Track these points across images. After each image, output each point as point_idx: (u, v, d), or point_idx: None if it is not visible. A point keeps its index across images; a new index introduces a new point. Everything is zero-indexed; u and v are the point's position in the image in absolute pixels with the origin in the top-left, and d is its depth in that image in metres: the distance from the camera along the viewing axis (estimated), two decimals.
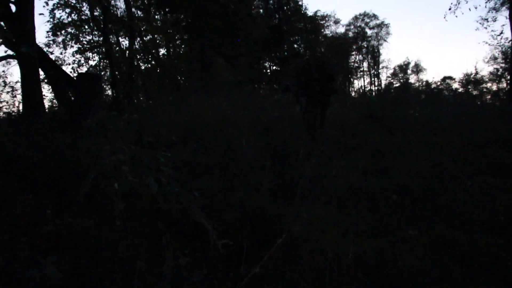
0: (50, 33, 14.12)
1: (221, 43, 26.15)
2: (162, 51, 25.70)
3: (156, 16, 26.94)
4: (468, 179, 4.65)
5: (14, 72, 49.69)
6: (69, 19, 14.32)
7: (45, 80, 11.86)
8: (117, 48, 19.70)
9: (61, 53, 15.63)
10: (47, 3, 13.66)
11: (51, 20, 13.94)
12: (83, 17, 14.54)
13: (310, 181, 3.93)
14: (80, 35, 15.23)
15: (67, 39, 15.60)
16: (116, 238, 2.56)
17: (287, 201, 3.59)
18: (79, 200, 3.11)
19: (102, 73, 15.91)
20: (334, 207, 3.47)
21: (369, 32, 57.49)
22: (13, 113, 8.75)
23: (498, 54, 38.88)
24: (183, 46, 29.51)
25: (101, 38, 14.32)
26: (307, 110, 6.39)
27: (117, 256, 2.50)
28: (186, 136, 6.46)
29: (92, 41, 15.00)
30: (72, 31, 14.82)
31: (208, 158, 5.03)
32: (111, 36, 18.09)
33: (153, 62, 23.80)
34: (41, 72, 10.12)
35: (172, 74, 21.50)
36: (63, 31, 14.62)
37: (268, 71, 39.09)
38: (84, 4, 14.30)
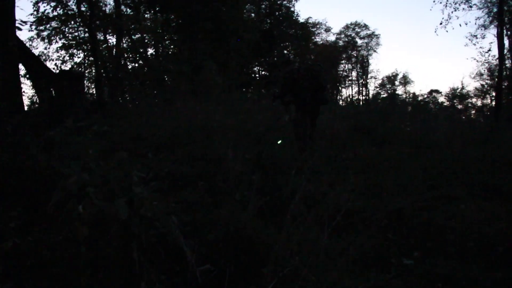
0: (33, 27, 13.68)
1: (212, 47, 25.89)
2: (151, 51, 25.33)
3: (146, 15, 26.63)
4: (462, 202, 4.48)
5: None
6: (54, 13, 13.90)
7: (27, 76, 11.46)
8: (104, 45, 19.34)
9: (45, 48, 15.22)
10: None
11: (35, 13, 13.53)
12: (69, 11, 14.13)
13: (300, 200, 3.71)
14: (66, 30, 14.83)
15: (52, 33, 15.18)
16: (80, 267, 2.28)
17: (276, 222, 3.36)
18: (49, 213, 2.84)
19: (87, 71, 15.54)
20: (326, 231, 3.25)
21: (359, 41, 57.88)
22: None
23: (484, 70, 39.63)
24: (172, 47, 29.19)
25: (87, 35, 13.94)
26: (297, 120, 6.17)
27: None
28: (171, 142, 6.20)
29: (78, 37, 14.61)
30: (57, 26, 14.39)
31: (193, 168, 4.77)
32: (98, 33, 17.72)
33: (140, 62, 23.43)
34: (22, 67, 9.77)
35: (159, 75, 21.15)
36: (47, 26, 14.18)
37: (257, 76, 39.02)
38: None
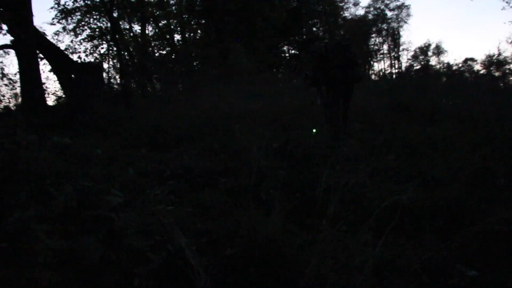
0: (55, 20, 13.49)
1: (238, 28, 25.28)
2: (177, 37, 24.93)
3: (171, 1, 26.23)
4: None
5: (15, 62, 49.22)
6: (76, 4, 13.65)
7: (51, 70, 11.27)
8: (129, 34, 19.08)
9: (71, 41, 15.05)
10: None
11: (56, 6, 13.30)
12: (89, 2, 13.86)
13: (337, 200, 3.19)
14: (90, 21, 14.59)
15: (78, 26, 14.98)
16: None
17: (308, 227, 2.86)
18: None
19: (112, 61, 15.32)
20: (368, 235, 2.73)
21: (389, 14, 55.92)
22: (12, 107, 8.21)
23: None
24: (199, 31, 28.77)
25: (109, 25, 13.65)
26: (328, 102, 5.59)
27: None
28: (192, 133, 5.76)
29: (100, 28, 14.34)
30: (80, 18, 14.17)
31: (214, 163, 4.30)
32: (121, 22, 17.44)
33: (167, 49, 23.11)
34: (46, 62, 9.54)
35: (187, 61, 20.78)
36: (69, 18, 13.96)
37: (287, 55, 38.26)
38: None
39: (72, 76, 8.06)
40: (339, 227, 2.71)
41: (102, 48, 14.45)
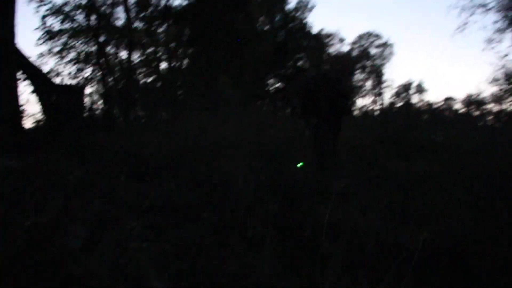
0: (40, 41, 13.23)
1: (225, 59, 25.38)
2: (164, 64, 24.86)
3: (160, 29, 26.28)
4: None
5: None
6: (63, 26, 13.44)
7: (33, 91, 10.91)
8: (116, 60, 18.90)
9: (56, 64, 14.75)
10: (37, 10, 12.77)
11: (42, 27, 13.08)
12: (76, 26, 13.66)
13: (330, 236, 2.94)
14: (75, 44, 14.36)
15: (63, 48, 14.72)
16: None
17: (300, 267, 2.59)
18: None
19: (95, 86, 15.05)
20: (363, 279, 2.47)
21: (373, 51, 57.28)
22: None
23: (501, 75, 38.88)
24: (185, 60, 28.82)
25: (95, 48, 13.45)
26: (317, 134, 5.40)
27: None
28: (175, 162, 5.48)
29: (86, 51, 14.13)
30: (66, 40, 13.94)
31: (197, 195, 4.02)
32: (109, 47, 17.30)
33: (153, 76, 22.98)
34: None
35: (172, 89, 20.65)
36: (57, 40, 13.73)
37: (272, 88, 38.55)
38: (79, 11, 13.42)
39: (53, 98, 7.75)
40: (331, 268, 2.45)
41: (86, 72, 14.21)
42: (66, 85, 8.25)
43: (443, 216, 3.69)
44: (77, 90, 7.42)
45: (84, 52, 14.30)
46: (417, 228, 3.47)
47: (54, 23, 13.09)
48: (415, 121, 12.07)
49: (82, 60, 13.98)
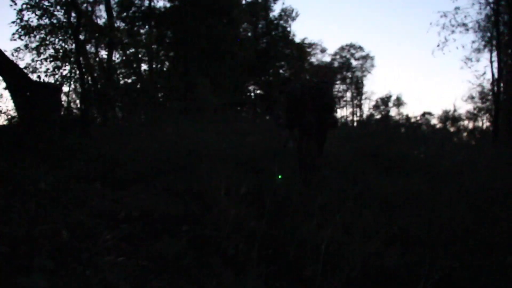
0: (15, 36, 12.73)
1: (206, 64, 25.20)
2: (144, 66, 24.49)
3: (141, 30, 25.92)
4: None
5: None
6: (40, 22, 12.99)
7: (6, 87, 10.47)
8: (97, 59, 18.49)
9: (32, 60, 14.23)
10: (14, 2, 12.30)
11: (18, 21, 12.59)
12: (55, 21, 13.23)
13: (314, 257, 2.81)
14: (55, 41, 13.89)
15: (41, 44, 14.25)
16: None
17: None
18: None
19: (73, 85, 14.61)
20: None
21: (354, 63, 57.88)
22: None
23: (476, 93, 40.06)
24: (166, 63, 28.48)
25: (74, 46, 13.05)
26: (301, 147, 5.28)
27: None
28: (152, 169, 5.27)
29: (65, 49, 13.67)
30: (44, 36, 13.46)
31: (175, 206, 3.84)
32: (88, 46, 16.89)
33: (133, 77, 22.61)
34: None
35: (152, 92, 20.29)
36: (32, 36, 13.24)
37: (252, 95, 38.50)
38: (58, 7, 12.99)
39: (27, 95, 7.40)
40: None
41: (65, 70, 13.75)
42: (42, 83, 7.90)
43: (429, 239, 3.60)
44: (54, 88, 7.11)
45: (62, 49, 13.83)
46: (403, 250, 3.38)
47: (32, 17, 12.65)
48: (394, 135, 12.10)
49: (60, 58, 13.54)
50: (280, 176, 5.20)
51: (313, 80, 8.43)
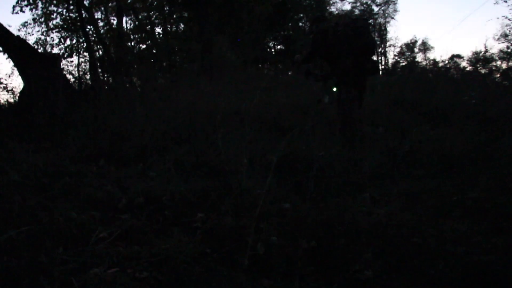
0: (17, 8, 12.00)
1: (223, 21, 24.05)
2: (158, 30, 23.54)
3: None
4: None
5: None
6: None
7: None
8: (107, 27, 17.71)
9: (42, 34, 13.57)
10: None
11: None
12: None
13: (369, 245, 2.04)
14: (58, 10, 13.15)
15: (48, 17, 13.55)
16: None
17: None
18: None
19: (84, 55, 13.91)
20: None
21: (375, 9, 55.26)
22: None
23: (510, 31, 37.80)
24: (181, 25, 27.41)
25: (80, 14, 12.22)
26: (342, 99, 4.41)
27: None
28: (163, 141, 4.53)
29: (71, 18, 12.91)
30: (45, 7, 12.71)
31: (188, 187, 3.08)
32: (96, 13, 16.09)
33: (148, 42, 21.80)
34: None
35: (168, 56, 19.47)
36: (33, 6, 12.49)
37: (273, 50, 37.28)
38: None
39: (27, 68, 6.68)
40: None
41: (73, 39, 13.04)
42: (38, 53, 7.16)
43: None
44: (51, 59, 6.39)
45: (69, 19, 13.07)
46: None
47: None
48: (434, 81, 10.97)
49: (66, 28, 12.78)
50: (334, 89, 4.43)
51: (350, 17, 7.37)
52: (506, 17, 32.78)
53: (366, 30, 4.39)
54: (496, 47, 66.98)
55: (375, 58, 4.80)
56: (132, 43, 18.40)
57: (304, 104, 6.25)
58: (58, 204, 2.83)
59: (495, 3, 33.91)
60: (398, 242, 2.29)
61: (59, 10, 13.34)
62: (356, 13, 53.73)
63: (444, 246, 2.20)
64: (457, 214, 2.75)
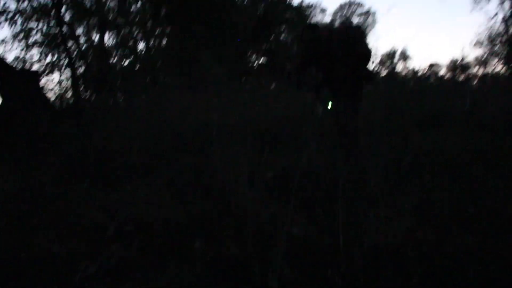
0: None
1: (206, 35, 23.87)
2: (141, 46, 23.25)
3: (132, 8, 24.49)
4: None
5: None
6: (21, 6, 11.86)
7: None
8: (89, 43, 17.38)
9: (22, 49, 13.14)
10: None
11: None
12: (35, 5, 12.08)
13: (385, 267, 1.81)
14: (37, 25, 12.78)
15: (24, 32, 13.16)
16: None
17: None
18: None
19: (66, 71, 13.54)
20: None
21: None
22: None
23: (485, 37, 38.77)
24: (164, 40, 27.14)
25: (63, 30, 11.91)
26: (337, 111, 4.19)
27: None
28: (153, 159, 4.25)
29: (52, 34, 12.56)
30: (22, 21, 12.33)
31: (183, 210, 2.81)
32: (81, 29, 15.77)
33: (130, 58, 21.47)
34: None
35: (151, 71, 19.19)
36: (12, 22, 12.12)
37: (255, 64, 37.33)
38: None
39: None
40: None
41: (54, 55, 12.66)
42: (17, 70, 6.84)
43: None
44: (31, 74, 6.09)
45: (50, 35, 12.72)
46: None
47: (8, 1, 11.53)
48: (424, 87, 10.89)
49: (47, 44, 12.43)
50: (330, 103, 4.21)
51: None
52: (481, 24, 33.62)
53: (361, 38, 4.19)
54: (472, 54, 68.20)
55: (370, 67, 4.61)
56: (115, 59, 18.06)
57: (298, 115, 6.03)
58: (38, 235, 2.55)
59: (470, 11, 34.51)
60: (426, 264, 2.05)
61: (39, 26, 12.97)
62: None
63: (476, 265, 1.97)
64: (476, 227, 2.54)
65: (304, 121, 5.00)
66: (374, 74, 4.49)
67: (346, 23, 32.06)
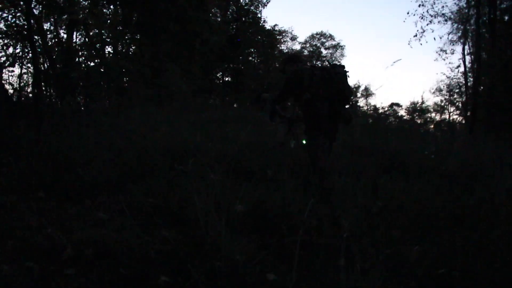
0: None
1: (175, 49, 23.66)
2: (108, 49, 22.76)
3: (104, 10, 23.98)
4: None
5: None
6: None
7: None
8: (55, 40, 16.82)
9: None
10: None
11: None
12: None
13: None
14: (5, 16, 12.19)
15: None
16: None
17: None
18: None
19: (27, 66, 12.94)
20: None
21: (324, 52, 57.06)
22: None
23: (444, 86, 41.08)
24: (133, 47, 26.65)
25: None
26: (314, 146, 4.13)
27: None
28: (117, 176, 4.02)
29: (17, 25, 11.97)
30: None
31: (148, 238, 2.63)
32: (48, 25, 15.22)
33: (97, 60, 20.91)
34: None
35: (117, 76, 18.70)
36: None
37: (221, 81, 37.42)
38: None
39: None
40: None
41: (17, 48, 12.07)
42: None
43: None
44: None
45: (15, 26, 12.12)
46: None
47: None
48: (386, 127, 11.12)
49: (11, 34, 11.83)
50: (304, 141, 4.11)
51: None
52: (444, 74, 35.39)
53: (344, 76, 4.19)
54: (431, 100, 71.43)
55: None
56: (81, 59, 17.54)
57: (265, 143, 5.94)
58: None
59: (435, 60, 36.24)
60: None
61: (4, 15, 12.39)
62: (305, 53, 55.15)
63: None
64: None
65: (273, 151, 4.92)
66: (352, 116, 4.48)
67: (330, 60, 32.72)
